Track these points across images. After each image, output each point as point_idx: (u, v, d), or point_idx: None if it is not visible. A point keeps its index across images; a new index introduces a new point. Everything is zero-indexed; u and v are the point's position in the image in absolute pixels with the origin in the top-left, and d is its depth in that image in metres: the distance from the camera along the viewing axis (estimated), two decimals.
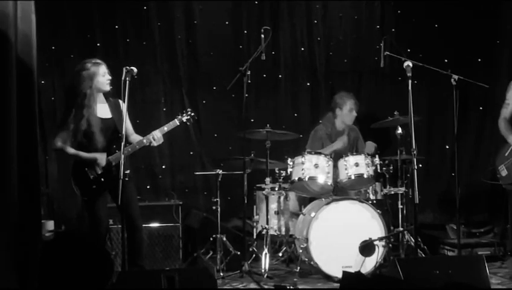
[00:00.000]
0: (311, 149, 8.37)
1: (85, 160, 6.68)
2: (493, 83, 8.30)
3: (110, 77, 6.81)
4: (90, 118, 6.67)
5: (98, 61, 6.82)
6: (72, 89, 6.80)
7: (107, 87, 6.81)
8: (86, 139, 6.70)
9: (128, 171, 6.36)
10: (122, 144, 6.25)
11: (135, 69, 6.44)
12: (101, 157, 6.67)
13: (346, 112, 8.64)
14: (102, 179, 6.68)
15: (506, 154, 7.53)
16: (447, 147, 9.70)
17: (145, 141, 6.85)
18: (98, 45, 9.09)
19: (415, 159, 6.81)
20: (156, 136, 6.87)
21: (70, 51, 8.97)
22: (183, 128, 8.60)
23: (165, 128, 6.97)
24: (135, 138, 6.98)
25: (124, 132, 6.31)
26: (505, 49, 9.66)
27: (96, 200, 6.71)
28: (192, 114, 7.13)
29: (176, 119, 7.04)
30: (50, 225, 8.21)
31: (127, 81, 6.31)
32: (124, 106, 6.33)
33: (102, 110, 6.82)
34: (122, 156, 6.20)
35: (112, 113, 6.83)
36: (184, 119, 7.08)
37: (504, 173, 7.55)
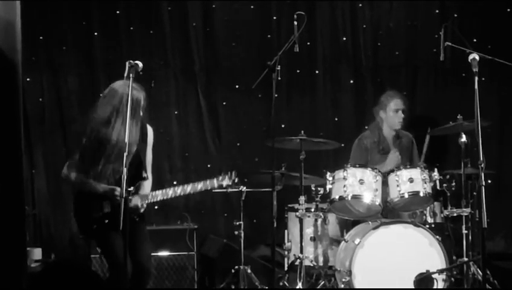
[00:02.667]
0: (354, 162, 8.36)
1: (100, 193, 6.62)
2: None
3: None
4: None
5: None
6: None
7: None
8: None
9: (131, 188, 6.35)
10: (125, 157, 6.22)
11: (140, 64, 6.43)
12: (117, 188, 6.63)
13: (391, 114, 8.63)
14: (107, 221, 6.63)
15: None
16: None
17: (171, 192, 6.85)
18: (96, 34, 9.14)
19: (482, 174, 6.75)
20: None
21: (61, 42, 9.03)
22: (199, 136, 8.64)
23: (199, 186, 6.96)
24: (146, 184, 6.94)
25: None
26: None
27: (107, 234, 6.64)
28: (236, 179, 6.99)
29: (215, 180, 6.98)
30: (37, 253, 8.26)
31: (131, 78, 6.31)
32: (129, 115, 6.28)
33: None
34: (125, 169, 6.18)
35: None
36: (224, 183, 6.99)
37: None
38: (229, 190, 7.24)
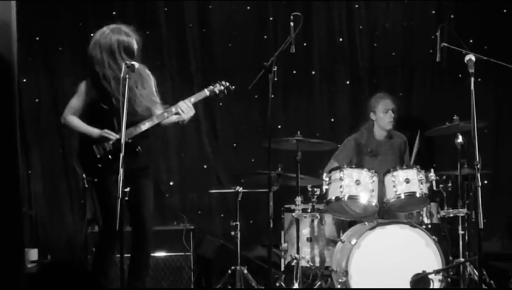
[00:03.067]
0: (336, 160, 8.39)
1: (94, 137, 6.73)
2: None
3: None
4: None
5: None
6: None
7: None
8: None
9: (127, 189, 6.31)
10: (122, 151, 6.20)
11: (137, 64, 6.45)
12: (109, 132, 6.68)
13: (380, 115, 8.65)
14: (110, 157, 6.69)
15: None
16: None
17: (173, 109, 6.85)
18: (92, 35, 9.11)
19: (479, 175, 6.76)
20: (183, 107, 6.84)
21: (58, 43, 9.02)
22: (196, 136, 8.63)
23: (192, 99, 6.97)
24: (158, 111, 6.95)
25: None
26: None
27: (104, 181, 6.71)
28: (227, 84, 7.16)
29: (206, 89, 7.09)
30: (33, 254, 8.26)
31: (127, 79, 6.30)
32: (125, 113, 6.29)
33: None
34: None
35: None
36: (216, 90, 7.11)
37: None
38: (222, 95, 7.15)
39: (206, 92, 7.06)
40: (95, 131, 6.71)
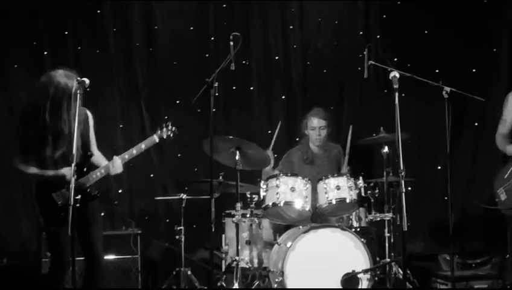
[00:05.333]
0: (281, 172, 8.43)
1: (51, 179, 6.56)
2: (490, 96, 8.38)
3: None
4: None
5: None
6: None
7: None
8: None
9: (79, 197, 6.27)
10: (73, 161, 6.14)
11: (87, 81, 6.40)
12: (69, 171, 6.48)
13: (310, 132, 8.73)
14: (78, 205, 6.48)
15: (506, 176, 7.63)
16: (439, 167, 9.78)
17: (102, 170, 6.77)
18: (46, 53, 9.06)
19: (403, 182, 6.81)
20: (116, 164, 6.77)
21: (13, 61, 8.92)
22: None
23: (143, 145, 6.95)
24: (98, 158, 6.91)
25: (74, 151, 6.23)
26: (503, 59, 9.77)
27: (61, 227, 6.61)
28: (174, 129, 7.15)
29: (155, 135, 7.06)
30: None
31: (78, 94, 6.27)
32: (76, 120, 6.24)
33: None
34: (73, 179, 6.11)
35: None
36: (164, 135, 7.10)
37: (503, 197, 7.64)
38: (168, 140, 7.16)
39: (156, 138, 7.02)
40: (49, 173, 6.54)
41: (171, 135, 7.13)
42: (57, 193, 6.57)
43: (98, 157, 6.90)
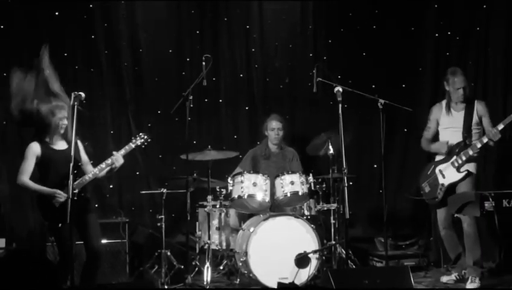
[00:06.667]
0: (242, 169, 8.42)
1: (46, 195, 6.62)
2: (416, 107, 8.43)
3: (66, 123, 6.80)
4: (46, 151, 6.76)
5: (60, 104, 6.82)
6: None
7: (62, 131, 6.80)
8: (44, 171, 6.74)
9: (76, 191, 6.35)
10: (71, 167, 6.19)
11: (83, 94, 6.44)
12: (61, 195, 6.58)
13: (269, 132, 8.75)
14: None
15: (429, 172, 7.74)
16: (375, 166, 9.79)
17: (109, 162, 6.92)
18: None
19: (345, 178, 6.89)
20: (115, 159, 6.95)
21: None
22: (130, 150, 8.56)
23: (122, 151, 7.04)
24: (90, 168, 6.95)
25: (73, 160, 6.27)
26: (426, 76, 9.85)
27: (62, 223, 6.57)
28: (145, 137, 7.22)
29: (131, 143, 7.15)
30: (1, 242, 8.08)
31: (76, 106, 6.27)
32: (74, 135, 6.28)
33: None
34: (71, 176, 6.13)
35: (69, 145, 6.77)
36: (138, 142, 7.19)
37: (427, 189, 7.73)
38: (143, 146, 7.29)
39: (132, 145, 7.14)
40: (46, 190, 6.62)
41: (144, 142, 7.24)
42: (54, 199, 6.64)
43: (90, 168, 7.00)
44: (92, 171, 6.83)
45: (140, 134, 7.25)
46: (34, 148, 6.71)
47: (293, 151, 8.90)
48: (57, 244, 6.79)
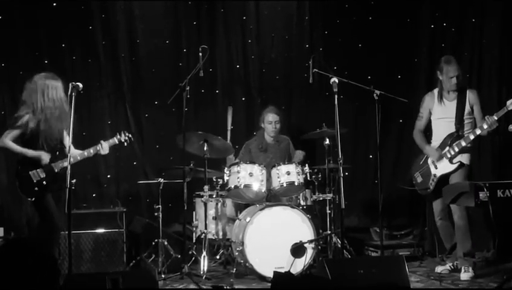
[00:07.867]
0: (240, 160, 8.42)
1: (30, 158, 6.80)
2: (411, 97, 8.43)
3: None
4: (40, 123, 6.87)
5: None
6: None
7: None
8: (32, 141, 6.87)
9: (74, 181, 6.43)
10: (69, 149, 6.32)
11: (81, 85, 6.45)
12: (46, 156, 6.83)
13: (266, 125, 8.71)
14: (44, 183, 6.86)
15: (421, 163, 7.74)
16: (371, 156, 9.80)
17: (92, 150, 7.14)
18: (46, 62, 8.96)
19: (341, 168, 6.89)
20: (103, 147, 7.18)
21: (19, 68, 8.80)
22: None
23: (108, 142, 7.27)
24: (74, 151, 6.99)
25: (70, 142, 6.33)
26: (421, 68, 9.86)
27: (43, 197, 6.84)
28: (129, 136, 7.40)
29: (114, 138, 7.34)
30: (0, 231, 8.10)
31: (73, 96, 6.32)
32: (72, 118, 6.36)
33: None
34: (69, 166, 6.16)
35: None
36: (122, 139, 7.35)
37: (419, 179, 7.75)
38: (126, 144, 7.47)
39: (116, 140, 7.33)
40: (30, 152, 6.85)
41: (127, 140, 7.40)
42: (33, 172, 6.86)
43: (75, 151, 7.08)
44: (74, 156, 6.98)
45: (126, 132, 7.40)
46: (27, 118, 6.89)
47: (287, 139, 8.91)
48: (40, 217, 7.07)
